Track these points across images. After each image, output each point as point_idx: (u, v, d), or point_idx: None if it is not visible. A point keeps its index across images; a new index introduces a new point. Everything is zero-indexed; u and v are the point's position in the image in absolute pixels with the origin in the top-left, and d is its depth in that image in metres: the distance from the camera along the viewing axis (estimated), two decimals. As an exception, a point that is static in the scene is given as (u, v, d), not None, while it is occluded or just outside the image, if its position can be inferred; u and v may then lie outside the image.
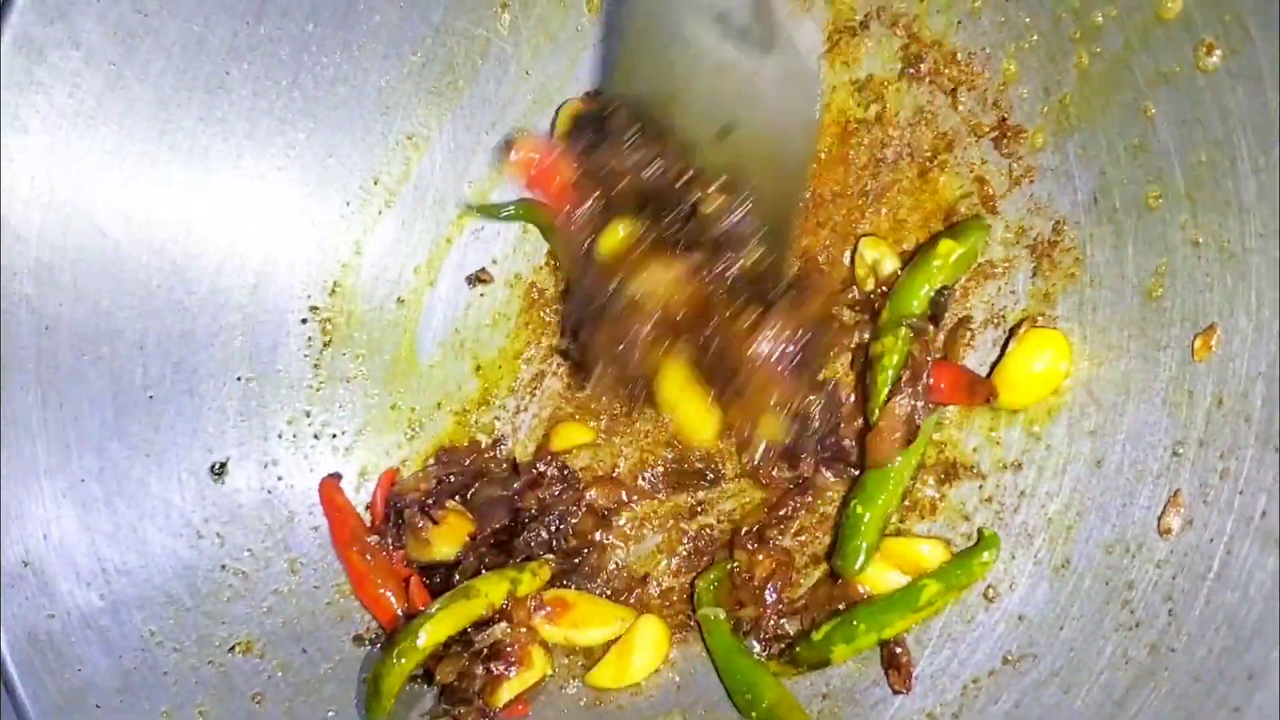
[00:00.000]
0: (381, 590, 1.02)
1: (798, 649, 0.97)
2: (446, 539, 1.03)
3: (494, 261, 1.09)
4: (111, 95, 0.94)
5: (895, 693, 0.94)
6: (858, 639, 0.95)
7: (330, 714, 0.99)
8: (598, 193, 0.95)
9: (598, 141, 0.95)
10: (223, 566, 1.01)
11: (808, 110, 0.89)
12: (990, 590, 0.93)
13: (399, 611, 1.02)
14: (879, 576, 0.96)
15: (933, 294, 0.95)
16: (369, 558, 1.03)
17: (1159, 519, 0.84)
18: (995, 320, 0.97)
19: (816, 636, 0.96)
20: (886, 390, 0.94)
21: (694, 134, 0.93)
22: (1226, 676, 0.75)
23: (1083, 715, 0.84)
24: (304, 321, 1.06)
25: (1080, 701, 0.84)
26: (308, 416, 1.07)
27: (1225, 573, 0.78)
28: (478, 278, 1.08)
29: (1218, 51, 0.78)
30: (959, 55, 0.96)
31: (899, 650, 0.94)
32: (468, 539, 1.03)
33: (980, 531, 0.95)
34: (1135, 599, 0.84)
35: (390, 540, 1.04)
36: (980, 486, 0.96)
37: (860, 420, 0.99)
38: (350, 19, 1.00)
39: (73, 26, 0.91)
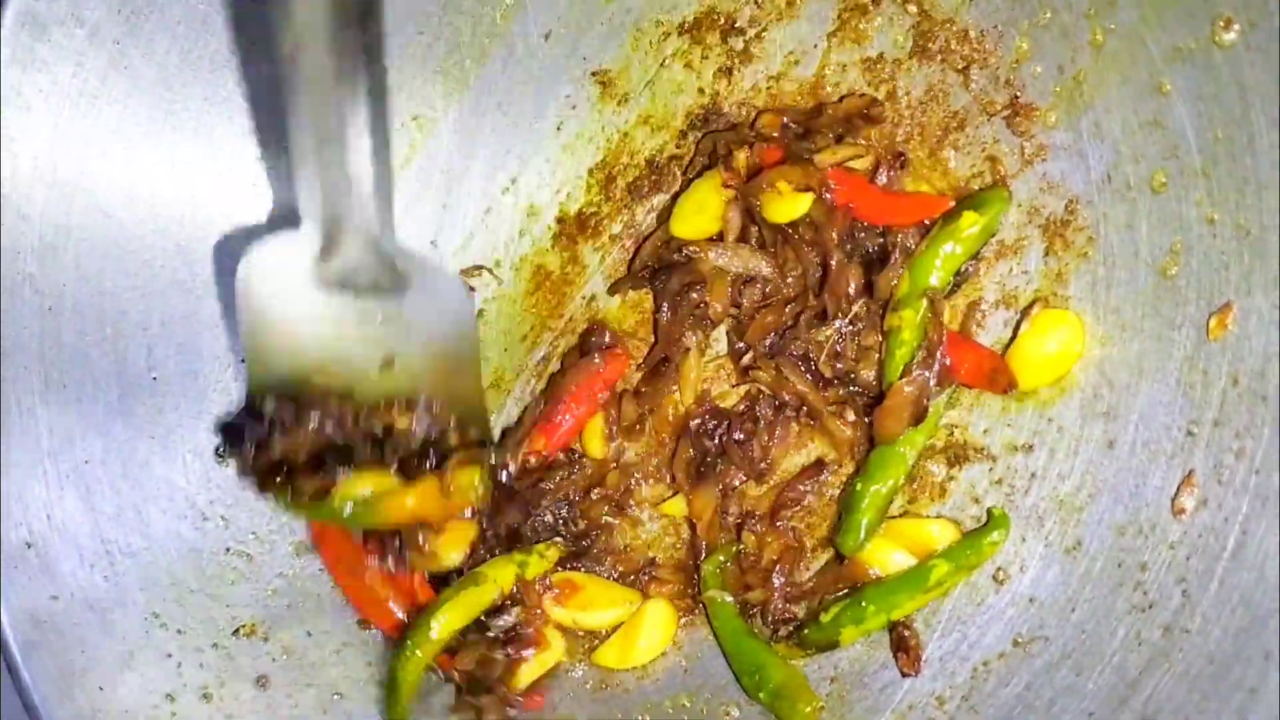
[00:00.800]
0: (386, 601, 1.00)
1: (806, 631, 0.97)
2: (452, 545, 1.00)
3: (497, 251, 1.08)
4: (115, 74, 0.94)
5: (904, 675, 0.94)
6: (867, 620, 0.94)
7: (335, 697, 0.99)
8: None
9: (262, 439, 0.92)
10: (227, 549, 1.01)
11: (463, 317, 0.94)
12: (1000, 572, 0.93)
13: (403, 618, 1.00)
14: (887, 557, 0.96)
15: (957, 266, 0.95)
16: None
17: (1173, 500, 0.84)
18: (1007, 300, 0.96)
19: (825, 619, 0.96)
20: (902, 366, 0.94)
21: (354, 378, 0.94)
22: (1243, 657, 0.75)
23: (1095, 697, 0.83)
24: (308, 303, 1.06)
25: (1093, 683, 0.84)
26: (313, 398, 1.06)
27: (1241, 553, 0.78)
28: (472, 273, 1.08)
29: (1236, 26, 0.77)
30: (971, 33, 0.95)
31: (908, 633, 0.94)
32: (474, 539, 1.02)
33: (990, 511, 0.94)
34: (1148, 580, 0.83)
35: (391, 560, 1.00)
36: (990, 469, 0.96)
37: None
38: (356, -4, 1.00)
39: (77, 3, 0.91)
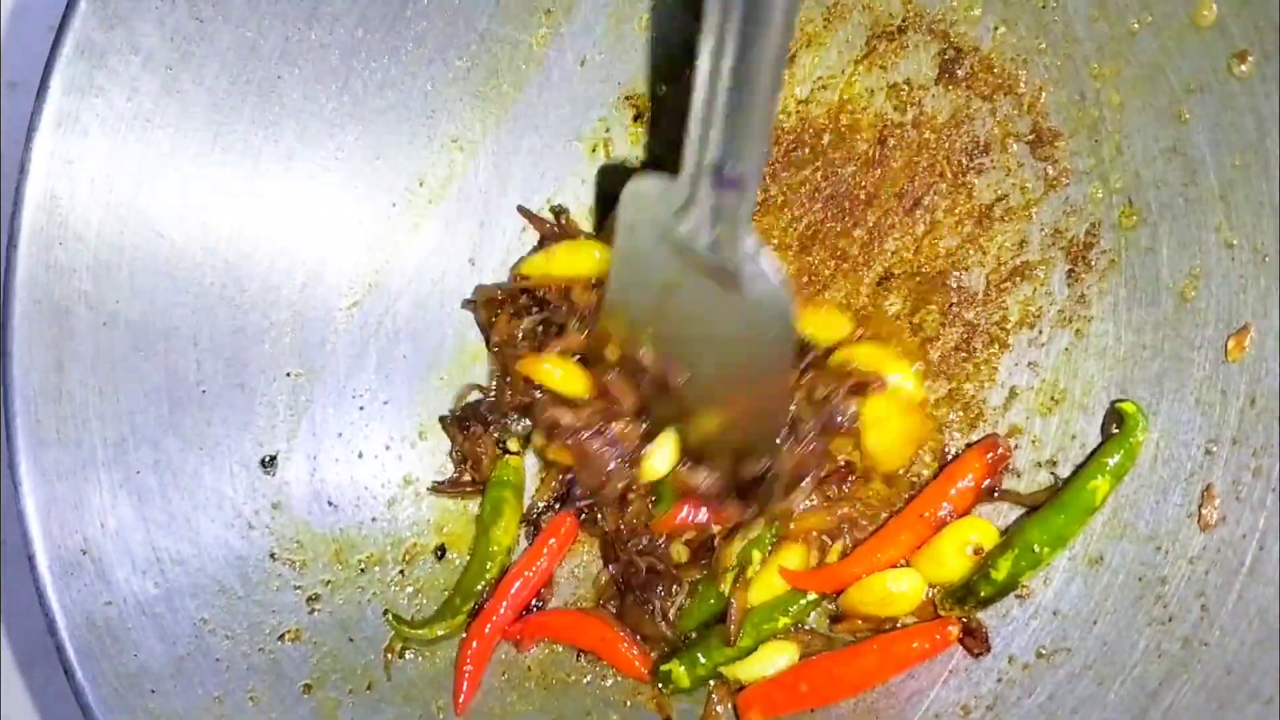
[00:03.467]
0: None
1: (981, 592, 0.95)
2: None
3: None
4: (168, 99, 0.96)
5: (976, 656, 0.95)
6: (1044, 559, 0.93)
7: (379, 704, 1.01)
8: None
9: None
10: (272, 556, 1.02)
11: (782, 333, 0.90)
12: (1024, 587, 0.95)
13: None
14: (953, 561, 0.96)
15: None
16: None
17: (1198, 514, 0.86)
18: (1029, 320, 0.98)
19: (997, 575, 0.94)
20: None
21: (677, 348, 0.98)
22: (1260, 668, 0.77)
23: (1116, 708, 0.85)
24: (351, 318, 1.07)
25: (1114, 694, 0.86)
26: (357, 410, 1.07)
27: (1258, 568, 0.80)
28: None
29: (1251, 58, 0.80)
30: (995, 61, 0.97)
31: (972, 621, 0.95)
32: None
33: (1119, 410, 0.91)
34: (1168, 594, 0.86)
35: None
36: (1017, 481, 0.98)
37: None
38: (399, 25, 1.02)
39: (132, 31, 0.92)
